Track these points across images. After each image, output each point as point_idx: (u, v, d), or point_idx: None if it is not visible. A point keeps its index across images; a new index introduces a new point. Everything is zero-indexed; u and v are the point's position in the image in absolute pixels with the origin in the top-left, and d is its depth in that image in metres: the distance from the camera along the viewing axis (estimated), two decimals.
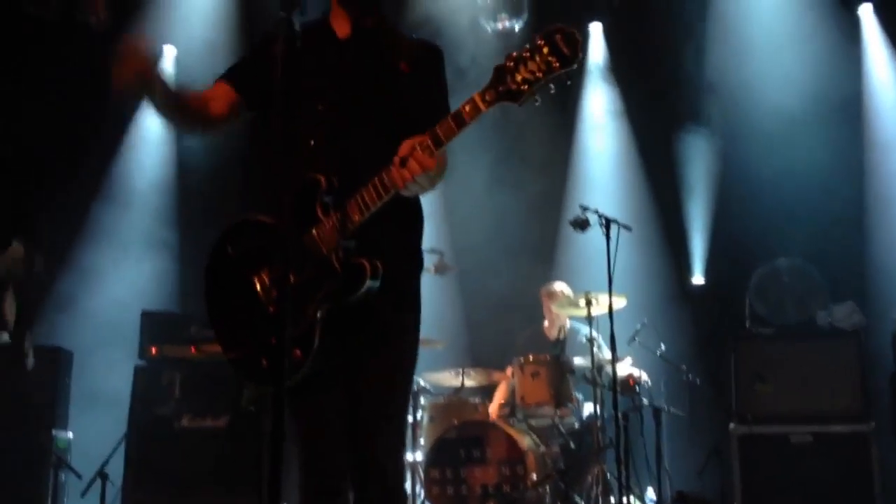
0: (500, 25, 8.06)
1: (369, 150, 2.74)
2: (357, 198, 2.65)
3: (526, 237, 7.68)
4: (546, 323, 6.95)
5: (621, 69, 8.26)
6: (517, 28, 8.05)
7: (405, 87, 2.83)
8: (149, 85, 2.71)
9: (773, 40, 7.58)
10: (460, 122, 2.53)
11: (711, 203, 7.82)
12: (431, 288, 6.48)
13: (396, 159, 2.56)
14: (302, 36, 2.34)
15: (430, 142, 2.54)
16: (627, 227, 5.83)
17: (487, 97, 2.50)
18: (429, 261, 6.01)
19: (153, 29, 7.90)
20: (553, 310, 6.74)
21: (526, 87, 2.46)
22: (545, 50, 2.44)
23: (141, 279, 7.83)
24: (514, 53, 2.49)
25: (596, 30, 8.29)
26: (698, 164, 7.82)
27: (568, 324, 6.84)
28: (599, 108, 8.31)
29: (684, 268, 8.00)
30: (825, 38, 7.43)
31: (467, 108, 2.53)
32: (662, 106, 7.96)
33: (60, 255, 7.81)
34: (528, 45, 2.48)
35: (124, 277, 7.82)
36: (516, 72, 2.47)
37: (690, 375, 6.62)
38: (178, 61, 8.30)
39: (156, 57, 2.45)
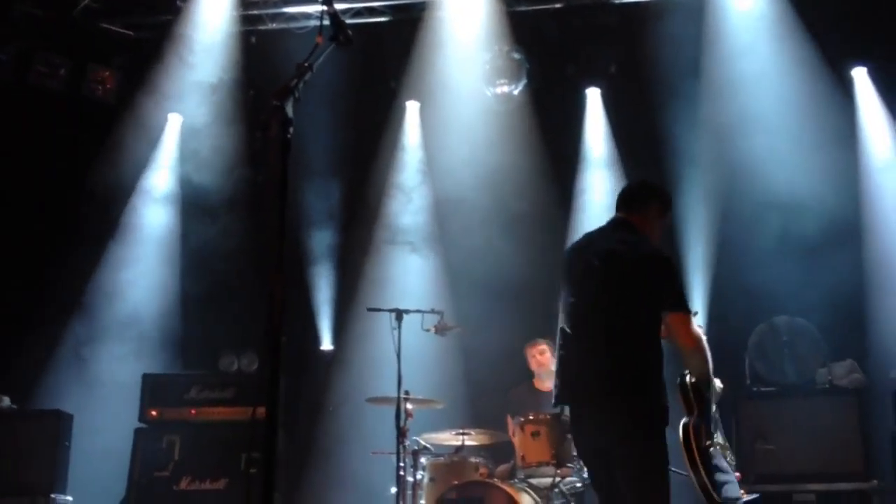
0: (498, 90, 8.24)
1: None
2: None
3: (525, 294, 7.67)
4: (535, 378, 6.99)
5: (618, 131, 8.37)
6: (515, 92, 8.20)
7: None
8: None
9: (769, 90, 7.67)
10: None
11: (709, 258, 7.83)
12: (432, 348, 6.51)
13: None
14: None
15: None
16: None
17: None
18: (430, 321, 6.05)
19: (159, 99, 8.08)
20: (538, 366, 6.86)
21: None
22: None
23: (143, 340, 7.84)
24: None
25: (594, 94, 8.44)
26: (695, 220, 7.85)
27: None
28: (598, 166, 8.40)
29: None
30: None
31: None
32: (658, 161, 7.99)
33: (64, 315, 7.85)
34: None
35: (126, 338, 7.83)
36: None
37: None
38: (184, 129, 8.45)
39: None
